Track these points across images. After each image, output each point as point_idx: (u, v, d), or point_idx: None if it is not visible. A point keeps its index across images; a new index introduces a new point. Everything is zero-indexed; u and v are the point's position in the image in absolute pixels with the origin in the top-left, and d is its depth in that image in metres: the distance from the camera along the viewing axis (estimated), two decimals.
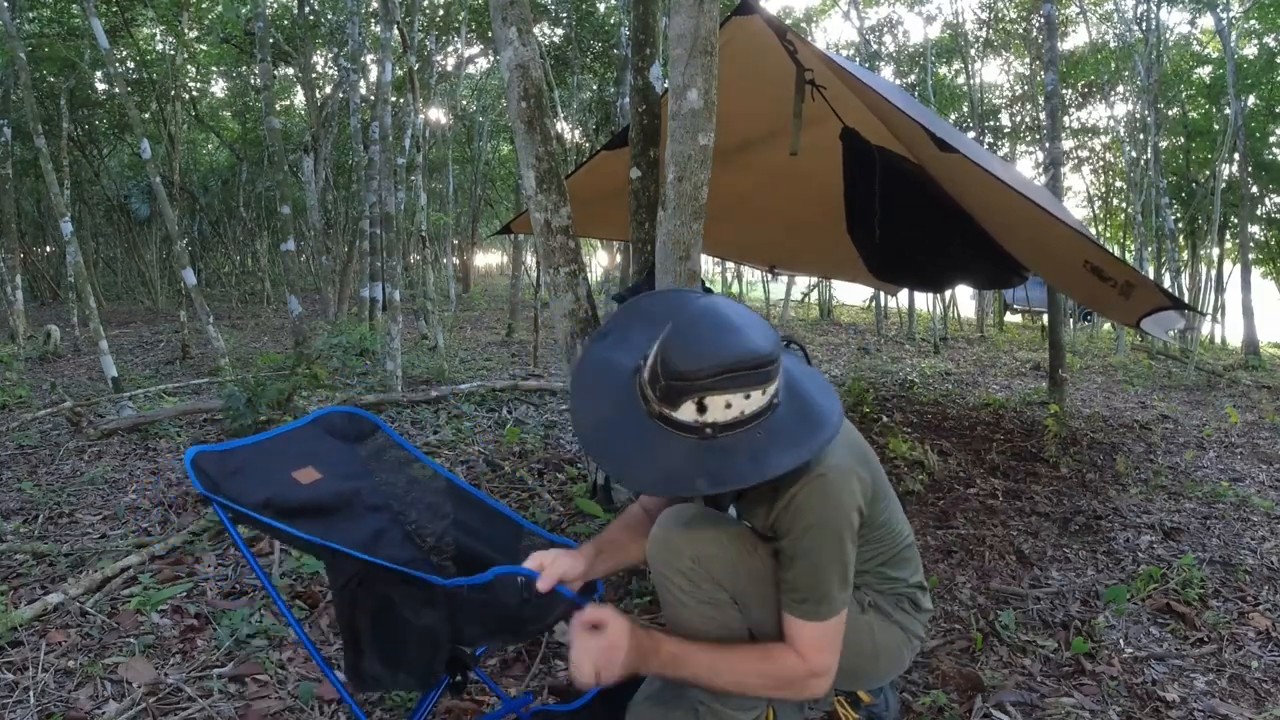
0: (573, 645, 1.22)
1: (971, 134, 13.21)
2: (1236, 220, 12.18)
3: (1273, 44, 11.57)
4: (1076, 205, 17.81)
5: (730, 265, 14.01)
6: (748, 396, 1.11)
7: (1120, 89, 13.21)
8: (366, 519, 1.48)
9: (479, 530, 1.57)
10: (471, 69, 15.59)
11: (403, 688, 1.33)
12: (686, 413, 1.11)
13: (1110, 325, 13.69)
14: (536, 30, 3.41)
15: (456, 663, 1.43)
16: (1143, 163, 11.72)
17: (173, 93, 12.79)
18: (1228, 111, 10.60)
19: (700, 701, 1.36)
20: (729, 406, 1.10)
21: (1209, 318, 14.25)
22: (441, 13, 12.74)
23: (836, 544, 1.24)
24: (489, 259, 36.67)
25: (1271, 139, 12.68)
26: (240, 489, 1.32)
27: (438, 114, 14.17)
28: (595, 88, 13.12)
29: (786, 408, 1.18)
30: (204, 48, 13.45)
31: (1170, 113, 13.15)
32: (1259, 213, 13.75)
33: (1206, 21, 11.99)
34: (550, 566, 1.26)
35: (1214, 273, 14.83)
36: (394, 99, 9.05)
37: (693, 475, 1.12)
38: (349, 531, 1.43)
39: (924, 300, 14.82)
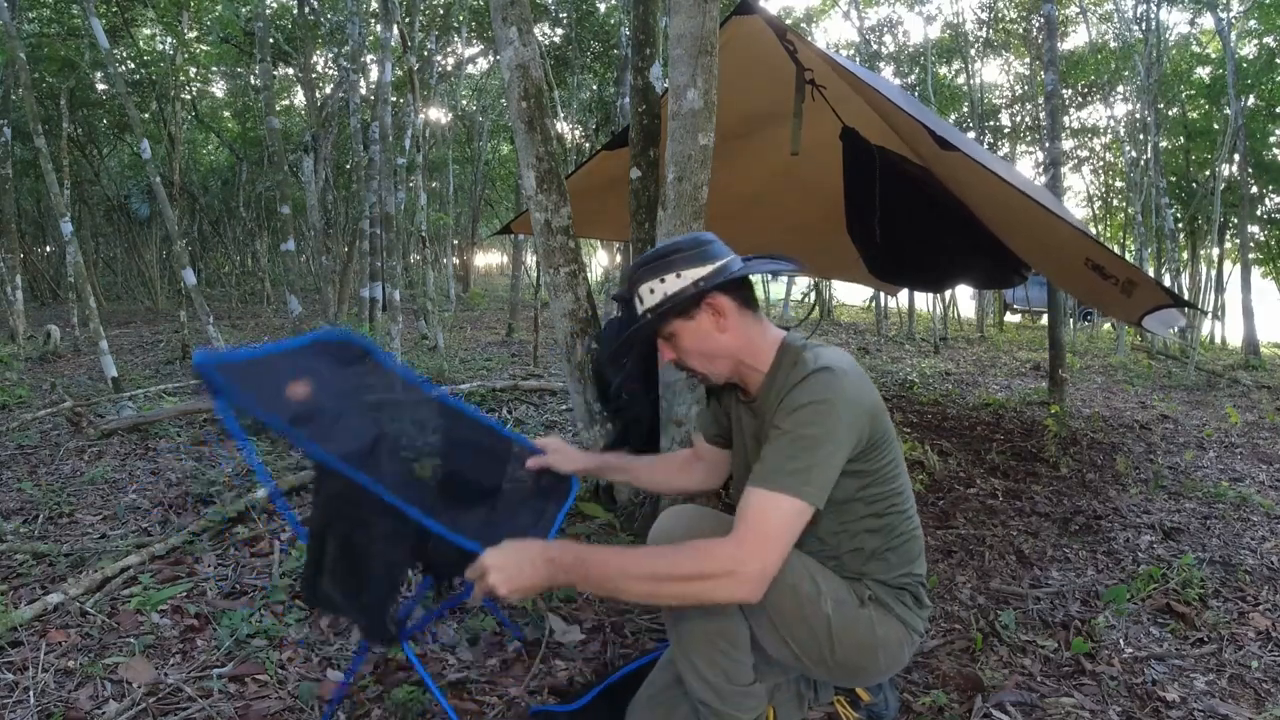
0: (484, 561, 1.19)
1: (971, 134, 13.19)
2: (1236, 220, 12.18)
3: (1273, 44, 11.55)
4: (1076, 205, 17.82)
5: None
6: (662, 280, 1.33)
7: (1120, 89, 13.21)
8: (358, 432, 1.47)
9: (467, 440, 1.65)
10: (471, 69, 15.60)
11: (349, 617, 1.33)
12: (638, 304, 1.38)
13: (1110, 325, 13.70)
14: (536, 30, 3.41)
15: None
16: (1143, 163, 11.71)
17: (173, 93, 12.79)
18: (1228, 111, 10.60)
19: (701, 703, 1.37)
20: (653, 292, 1.35)
21: (1210, 316, 14.24)
22: (441, 13, 12.74)
23: (830, 428, 1.22)
24: (489, 259, 36.66)
25: (1271, 139, 12.66)
26: (241, 393, 1.31)
27: (438, 114, 14.17)
28: (595, 88, 13.11)
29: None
30: (204, 48, 13.45)
31: (1170, 113, 13.14)
32: (1259, 213, 13.72)
33: (1206, 21, 11.99)
34: (553, 451, 1.65)
35: (1214, 273, 14.81)
36: (394, 99, 9.05)
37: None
38: (342, 443, 1.40)
39: (924, 300, 14.85)
